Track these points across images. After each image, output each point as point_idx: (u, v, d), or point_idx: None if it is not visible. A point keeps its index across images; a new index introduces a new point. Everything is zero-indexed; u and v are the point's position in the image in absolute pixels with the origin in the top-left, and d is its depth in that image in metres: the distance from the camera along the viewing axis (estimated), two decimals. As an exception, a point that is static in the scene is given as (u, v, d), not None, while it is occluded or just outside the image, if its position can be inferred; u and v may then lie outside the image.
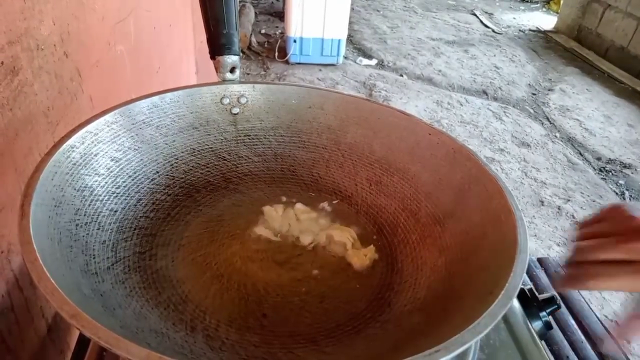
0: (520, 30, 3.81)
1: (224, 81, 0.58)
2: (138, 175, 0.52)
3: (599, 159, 2.17)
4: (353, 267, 0.49)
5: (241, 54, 0.59)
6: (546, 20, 4.11)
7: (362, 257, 0.50)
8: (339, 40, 2.62)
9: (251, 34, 2.89)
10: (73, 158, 0.44)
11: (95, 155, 0.47)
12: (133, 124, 0.52)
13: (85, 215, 0.43)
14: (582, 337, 0.85)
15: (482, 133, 2.25)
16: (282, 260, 0.50)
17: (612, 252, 0.32)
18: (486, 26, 3.80)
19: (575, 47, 3.43)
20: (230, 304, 0.44)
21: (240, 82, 0.59)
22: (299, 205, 0.56)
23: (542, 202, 1.84)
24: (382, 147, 0.58)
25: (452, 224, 0.49)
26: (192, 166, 0.57)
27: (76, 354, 0.49)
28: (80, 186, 0.44)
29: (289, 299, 0.45)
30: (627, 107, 2.64)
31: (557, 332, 0.85)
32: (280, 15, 3.30)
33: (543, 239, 1.66)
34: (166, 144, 0.55)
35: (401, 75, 2.77)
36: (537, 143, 2.22)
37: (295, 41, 2.59)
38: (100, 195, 0.46)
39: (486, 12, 4.19)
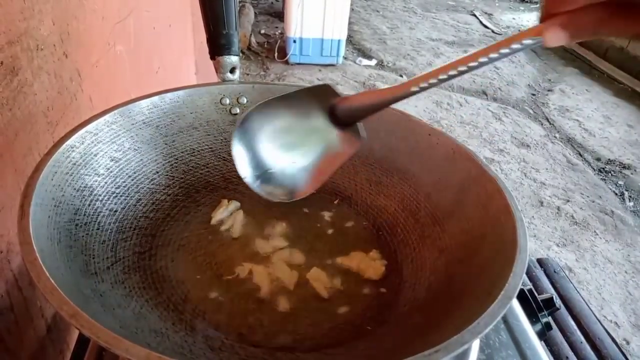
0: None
1: (223, 81, 0.58)
2: (138, 175, 0.52)
3: (598, 159, 2.17)
4: (369, 277, 0.49)
5: (241, 55, 0.59)
6: (546, 21, 4.11)
7: (375, 267, 0.49)
8: (339, 41, 2.62)
9: (251, 34, 2.89)
10: (73, 158, 0.44)
11: (95, 155, 0.47)
12: (133, 124, 0.52)
13: (84, 215, 0.43)
14: (582, 338, 0.86)
15: (481, 133, 2.25)
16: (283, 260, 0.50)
17: None
18: (486, 27, 3.80)
19: (574, 48, 3.43)
20: (229, 304, 0.44)
21: (240, 83, 0.59)
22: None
23: (541, 202, 1.84)
24: (382, 148, 0.58)
25: (451, 224, 0.49)
26: (192, 166, 0.57)
27: (75, 353, 0.49)
28: (80, 186, 0.44)
29: (288, 299, 0.45)
30: (627, 108, 2.64)
31: (556, 332, 0.86)
32: (279, 15, 3.30)
33: (542, 240, 1.66)
34: (166, 144, 0.55)
35: (401, 76, 2.77)
36: (536, 143, 2.23)
37: (294, 41, 2.59)
38: (100, 195, 0.46)
39: (486, 13, 4.19)
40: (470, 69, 0.34)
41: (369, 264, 0.49)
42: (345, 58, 2.84)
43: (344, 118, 0.46)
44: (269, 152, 0.50)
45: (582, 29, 0.28)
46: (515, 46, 0.32)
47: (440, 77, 0.36)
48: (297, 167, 0.50)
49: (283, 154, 0.50)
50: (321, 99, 0.47)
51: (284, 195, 0.51)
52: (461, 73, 0.35)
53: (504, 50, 0.32)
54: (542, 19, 0.30)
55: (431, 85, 0.37)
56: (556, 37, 0.29)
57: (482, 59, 0.33)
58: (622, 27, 0.26)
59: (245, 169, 0.49)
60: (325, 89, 0.47)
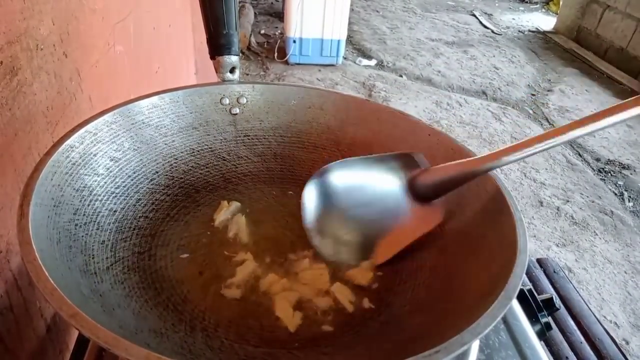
0: (519, 31, 3.81)
1: (223, 81, 0.58)
2: (137, 175, 0.52)
3: (598, 159, 2.17)
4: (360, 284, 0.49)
5: (241, 55, 0.59)
6: (545, 21, 4.12)
7: (364, 273, 0.49)
8: (339, 41, 2.62)
9: (251, 35, 2.89)
10: (72, 158, 0.44)
11: (95, 155, 0.47)
12: (132, 124, 0.52)
13: (84, 215, 0.43)
14: (581, 338, 0.86)
15: (481, 134, 2.25)
16: (281, 261, 0.50)
17: None
18: (485, 27, 3.80)
19: (574, 48, 3.44)
20: (229, 304, 0.44)
21: (240, 83, 0.59)
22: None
23: (541, 202, 1.84)
24: (382, 148, 0.58)
25: (451, 224, 0.49)
26: (192, 166, 0.57)
27: (75, 354, 0.49)
28: (80, 186, 0.44)
29: (288, 300, 0.45)
30: (626, 108, 2.64)
31: (556, 332, 0.86)
32: (279, 15, 3.30)
33: (542, 240, 1.66)
34: (165, 144, 0.55)
35: (400, 76, 2.77)
36: (536, 144, 2.22)
37: (294, 41, 2.59)
38: (99, 195, 0.46)
39: (485, 13, 4.19)
40: (567, 140, 0.33)
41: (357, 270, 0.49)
42: (345, 58, 2.84)
43: (423, 192, 0.44)
44: (340, 209, 0.47)
45: None
46: (623, 116, 0.31)
47: (533, 149, 0.34)
48: (367, 232, 0.47)
49: (354, 215, 0.48)
50: (403, 167, 0.46)
51: (347, 256, 0.48)
52: (554, 146, 0.33)
53: (611, 121, 0.31)
54: None
55: (520, 158, 0.35)
56: None
57: (584, 131, 0.32)
58: None
59: (310, 218, 0.47)
60: (409, 158, 0.46)
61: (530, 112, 2.54)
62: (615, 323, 1.38)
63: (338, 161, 0.48)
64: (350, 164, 0.49)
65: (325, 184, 0.47)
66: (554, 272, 1.02)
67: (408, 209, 0.46)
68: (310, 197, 0.46)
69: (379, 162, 0.48)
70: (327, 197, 0.47)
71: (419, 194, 0.44)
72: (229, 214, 0.54)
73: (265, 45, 2.92)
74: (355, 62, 2.86)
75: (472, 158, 0.39)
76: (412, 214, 0.46)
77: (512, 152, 0.35)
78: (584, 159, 2.17)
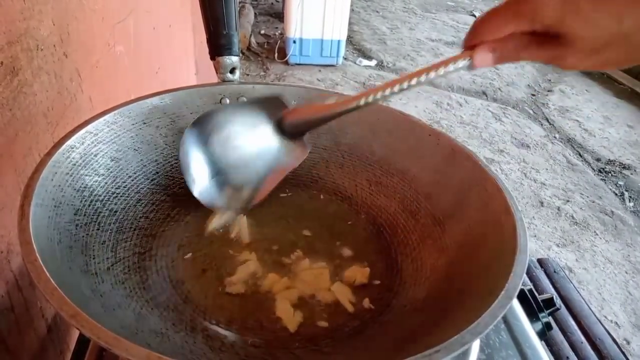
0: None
1: (223, 82, 0.58)
2: (138, 175, 0.52)
3: (598, 159, 2.17)
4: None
5: (241, 55, 0.59)
6: (545, 21, 4.11)
7: (363, 272, 0.49)
8: (339, 41, 2.62)
9: (251, 35, 2.89)
10: (73, 158, 0.44)
11: (95, 155, 0.47)
12: (133, 124, 0.52)
13: (85, 215, 0.43)
14: (582, 338, 0.86)
15: (481, 134, 2.25)
16: (281, 260, 0.50)
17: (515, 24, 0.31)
18: (486, 27, 3.80)
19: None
20: (230, 304, 0.44)
21: (240, 83, 0.59)
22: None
23: (541, 202, 1.84)
24: (382, 148, 0.58)
25: (451, 224, 0.49)
26: (192, 167, 0.57)
27: (76, 354, 0.49)
28: (80, 186, 0.44)
29: (288, 300, 0.45)
30: (627, 108, 2.64)
31: (557, 332, 0.86)
32: (279, 16, 3.30)
33: (543, 240, 1.66)
34: (166, 144, 0.55)
35: (401, 76, 2.77)
36: (536, 144, 2.23)
37: (294, 42, 2.59)
38: (100, 196, 0.46)
39: (486, 13, 4.19)
40: (411, 87, 0.37)
41: (357, 270, 0.50)
42: (345, 58, 2.84)
43: (290, 131, 0.47)
44: (220, 159, 0.48)
45: (506, 53, 0.32)
46: (450, 68, 0.35)
47: (384, 93, 0.37)
48: (247, 177, 0.49)
49: (233, 163, 0.49)
50: (270, 110, 0.48)
51: (239, 203, 0.49)
52: (402, 90, 0.37)
53: (442, 71, 0.35)
54: (466, 46, 0.34)
55: (375, 101, 0.38)
56: (485, 60, 0.33)
57: (423, 79, 0.36)
58: (538, 52, 0.31)
59: (192, 172, 0.47)
60: (275, 100, 0.48)
61: (531, 112, 2.53)
62: (616, 323, 1.38)
63: (209, 111, 0.48)
64: (222, 112, 0.49)
65: (201, 135, 0.48)
66: (555, 272, 1.02)
67: (280, 148, 0.48)
68: (187, 150, 0.47)
69: (249, 107, 0.50)
70: (204, 148, 0.48)
71: (288, 132, 0.47)
72: (222, 221, 0.53)
73: (266, 46, 2.92)
74: (355, 63, 2.86)
75: (329, 102, 0.42)
76: (284, 152, 0.48)
77: (368, 95, 0.38)
78: (585, 159, 2.17)
